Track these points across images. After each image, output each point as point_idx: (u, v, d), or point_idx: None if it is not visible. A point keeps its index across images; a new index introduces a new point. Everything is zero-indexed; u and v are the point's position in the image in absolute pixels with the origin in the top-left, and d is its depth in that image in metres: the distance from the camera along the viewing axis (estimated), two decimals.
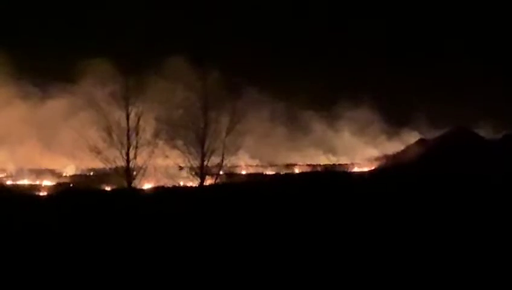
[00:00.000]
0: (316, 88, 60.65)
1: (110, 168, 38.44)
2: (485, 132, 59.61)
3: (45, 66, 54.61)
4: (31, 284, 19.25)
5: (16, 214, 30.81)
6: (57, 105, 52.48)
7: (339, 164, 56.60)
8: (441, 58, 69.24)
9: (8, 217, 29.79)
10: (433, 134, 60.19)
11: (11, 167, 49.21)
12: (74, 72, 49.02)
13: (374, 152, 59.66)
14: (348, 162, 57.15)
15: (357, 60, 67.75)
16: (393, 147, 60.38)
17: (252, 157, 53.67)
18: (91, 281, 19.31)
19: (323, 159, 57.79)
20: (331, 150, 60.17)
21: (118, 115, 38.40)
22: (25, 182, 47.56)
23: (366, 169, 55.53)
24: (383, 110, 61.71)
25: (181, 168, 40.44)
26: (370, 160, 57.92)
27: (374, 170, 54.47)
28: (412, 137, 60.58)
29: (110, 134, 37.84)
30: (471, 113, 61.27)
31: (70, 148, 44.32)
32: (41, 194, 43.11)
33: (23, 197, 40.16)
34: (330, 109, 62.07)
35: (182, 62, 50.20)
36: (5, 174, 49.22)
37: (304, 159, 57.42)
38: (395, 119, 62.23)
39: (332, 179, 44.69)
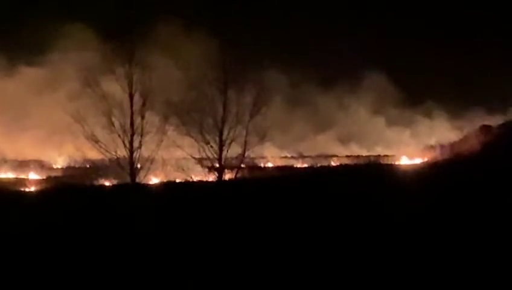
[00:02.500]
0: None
1: (110, 160, 38.47)
2: None
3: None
4: None
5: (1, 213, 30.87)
6: (43, 83, 52.58)
7: (385, 155, 56.25)
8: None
9: None
10: (498, 120, 59.48)
11: None
12: (56, 40, 49.54)
13: (426, 141, 59.22)
14: (396, 153, 56.77)
15: (404, 37, 67.09)
16: (450, 134, 59.86)
17: (280, 147, 53.53)
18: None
19: (365, 150, 57.51)
20: (375, 138, 59.91)
21: (120, 96, 38.34)
22: (8, 175, 47.76)
23: (417, 161, 55.09)
24: (436, 92, 61.22)
25: (195, 160, 40.25)
26: (422, 150, 57.46)
27: (427, 162, 53.91)
28: (472, 123, 59.94)
29: (110, 119, 37.82)
30: None
31: (61, 135, 44.50)
32: (27, 189, 43.20)
33: (7, 193, 40.20)
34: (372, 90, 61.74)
35: (196, 34, 50.38)
36: None
37: (343, 149, 57.24)
38: (451, 102, 61.57)
39: (378, 173, 44.15)
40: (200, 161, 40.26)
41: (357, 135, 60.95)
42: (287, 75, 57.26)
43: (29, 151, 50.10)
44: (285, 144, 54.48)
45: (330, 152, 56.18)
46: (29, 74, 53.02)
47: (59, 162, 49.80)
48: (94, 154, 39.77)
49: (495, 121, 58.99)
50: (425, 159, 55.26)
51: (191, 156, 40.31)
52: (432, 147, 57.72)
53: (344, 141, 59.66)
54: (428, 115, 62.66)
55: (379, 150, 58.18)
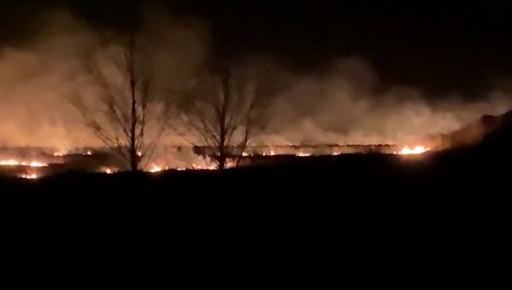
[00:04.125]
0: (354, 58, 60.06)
1: (111, 148, 38.44)
2: None
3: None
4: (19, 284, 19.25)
5: (2, 200, 30.84)
6: (41, 68, 52.47)
7: (386, 145, 56.13)
8: None
9: None
10: (501, 110, 59.22)
11: None
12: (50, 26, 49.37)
13: (426, 131, 59.03)
14: (397, 143, 56.63)
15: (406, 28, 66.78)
16: (451, 124, 59.66)
17: (282, 136, 53.44)
18: (87, 279, 19.28)
19: (366, 139, 57.33)
20: (375, 128, 59.76)
21: (121, 82, 38.26)
22: (9, 162, 47.72)
23: (418, 151, 54.94)
24: (436, 81, 61.00)
25: (196, 148, 40.22)
26: (423, 140, 57.27)
27: (428, 152, 53.77)
28: (474, 113, 59.71)
29: (111, 106, 37.76)
30: None
31: (63, 122, 44.49)
32: (29, 177, 43.19)
33: (8, 180, 40.19)
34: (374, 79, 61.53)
35: (195, 18, 50.26)
36: None
37: (344, 138, 57.11)
38: (452, 91, 61.39)
39: (380, 162, 44.10)
40: (201, 149, 40.19)
41: (355, 123, 60.73)
42: (296, 63, 56.82)
43: (31, 139, 49.99)
44: (287, 132, 54.34)
45: (331, 141, 56.01)
46: (26, 60, 52.79)
47: (60, 149, 49.76)
48: (95, 142, 39.65)
49: (497, 111, 58.62)
50: (427, 149, 55.15)
51: (193, 144, 40.28)
52: (433, 137, 57.52)
53: (343, 130, 59.48)
54: (429, 104, 62.33)
55: (380, 140, 57.94)
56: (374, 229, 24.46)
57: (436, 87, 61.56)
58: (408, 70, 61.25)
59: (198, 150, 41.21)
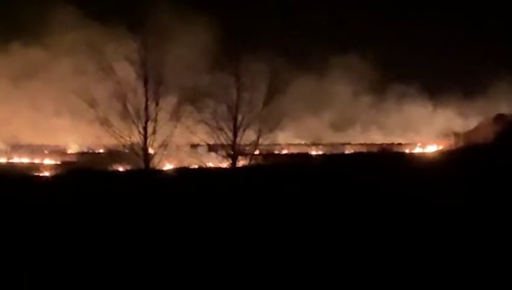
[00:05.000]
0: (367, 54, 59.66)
1: (124, 145, 38.44)
2: None
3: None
4: (33, 282, 19.30)
5: (14, 198, 30.93)
6: (53, 65, 52.47)
7: (398, 144, 55.86)
8: None
9: (4, 202, 29.91)
10: (504, 106, 58.86)
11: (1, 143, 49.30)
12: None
13: (438, 129, 58.66)
14: (409, 141, 56.36)
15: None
16: (463, 123, 59.24)
17: (294, 134, 53.26)
18: (100, 277, 19.34)
19: (379, 138, 56.99)
20: (387, 127, 59.41)
21: (134, 80, 38.27)
22: (22, 160, 47.83)
23: (430, 150, 54.69)
24: (449, 79, 60.49)
25: (209, 146, 40.18)
26: (436, 138, 56.99)
27: (440, 151, 53.54)
28: (486, 111, 59.32)
29: (124, 104, 37.76)
30: None
31: (76, 120, 44.52)
32: (42, 174, 43.30)
33: (21, 178, 40.31)
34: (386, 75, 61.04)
35: (207, 16, 50.20)
36: None
37: (357, 137, 56.81)
38: (464, 89, 60.92)
39: (393, 161, 43.95)
40: (213, 148, 40.14)
41: (360, 121, 60.38)
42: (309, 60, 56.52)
43: (43, 136, 50.06)
44: (300, 131, 54.10)
45: (343, 140, 55.74)
46: (37, 57, 52.77)
47: (73, 147, 49.84)
48: (108, 140, 39.65)
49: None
50: (440, 148, 54.89)
51: (205, 142, 40.24)
52: (446, 136, 57.21)
53: (349, 128, 59.13)
54: (439, 102, 61.81)
55: (392, 138, 57.57)
56: (389, 228, 24.45)
57: (439, 83, 60.95)
58: (410, 67, 60.95)
59: (210, 148, 41.09)
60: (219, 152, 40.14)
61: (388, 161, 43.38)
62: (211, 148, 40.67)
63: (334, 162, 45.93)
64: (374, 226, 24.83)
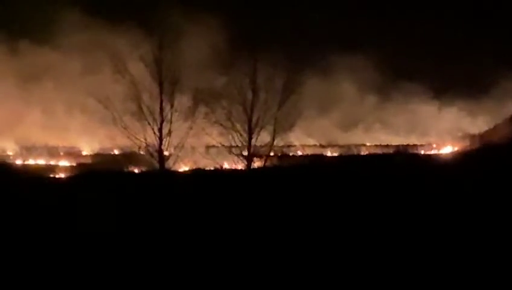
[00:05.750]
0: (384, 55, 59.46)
1: (139, 147, 38.41)
2: None
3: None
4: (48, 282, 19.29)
5: (30, 200, 30.96)
6: (68, 67, 52.49)
7: (413, 145, 55.66)
8: None
9: (21, 204, 29.96)
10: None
11: (15, 145, 49.33)
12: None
13: (453, 131, 58.42)
14: (424, 143, 56.15)
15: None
16: (478, 124, 58.95)
17: (309, 135, 53.09)
18: (116, 278, 19.30)
19: (395, 139, 56.82)
20: (402, 128, 59.21)
21: (149, 81, 38.23)
22: (38, 162, 47.86)
23: (446, 151, 54.44)
24: (461, 78, 60.18)
25: (225, 147, 40.01)
26: (450, 141, 56.71)
27: (456, 152, 53.28)
28: (502, 112, 58.98)
29: (139, 105, 37.68)
30: None
31: (89, 121, 44.59)
32: (57, 176, 43.33)
33: (37, 180, 40.35)
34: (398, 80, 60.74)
35: (222, 17, 50.13)
36: (14, 152, 49.45)
37: (372, 138, 56.66)
38: (479, 90, 60.56)
39: (408, 163, 43.75)
40: (229, 149, 40.00)
41: (384, 123, 60.20)
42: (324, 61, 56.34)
43: (58, 138, 50.11)
44: (315, 132, 53.94)
45: (358, 141, 55.61)
46: (51, 57, 52.82)
47: (88, 149, 49.85)
48: (123, 142, 39.61)
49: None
50: (455, 149, 54.61)
51: (220, 143, 40.09)
52: (461, 137, 56.95)
53: (369, 129, 58.98)
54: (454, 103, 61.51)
55: (408, 140, 57.41)
56: (408, 230, 24.30)
57: (447, 83, 60.63)
58: (417, 67, 60.66)
59: (226, 150, 40.97)
60: (234, 153, 39.98)
61: (407, 163, 43.17)
62: (227, 149, 40.50)
63: (351, 164, 45.72)
64: (396, 229, 24.67)
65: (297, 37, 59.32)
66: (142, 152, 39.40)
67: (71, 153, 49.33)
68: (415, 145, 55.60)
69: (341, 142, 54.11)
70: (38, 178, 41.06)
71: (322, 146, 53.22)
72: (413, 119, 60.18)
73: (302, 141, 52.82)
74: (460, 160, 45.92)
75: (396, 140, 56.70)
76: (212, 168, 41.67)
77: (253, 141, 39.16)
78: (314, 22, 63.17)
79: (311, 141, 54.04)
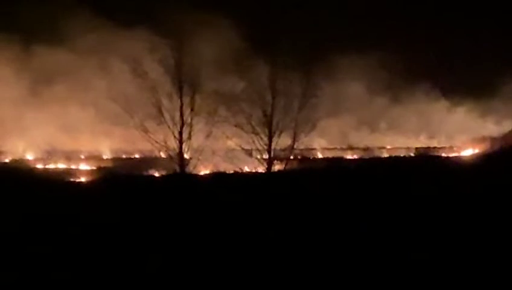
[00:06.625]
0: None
1: (159, 150, 38.44)
2: None
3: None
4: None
5: (50, 205, 30.97)
6: (88, 70, 52.44)
7: (434, 147, 55.30)
8: None
9: (43, 207, 29.98)
10: None
11: (36, 148, 49.31)
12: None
13: (472, 133, 57.87)
14: (446, 145, 55.71)
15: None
16: (500, 126, 58.38)
17: (329, 138, 52.77)
18: (139, 281, 19.21)
19: (415, 142, 56.35)
20: (423, 131, 58.74)
21: (169, 86, 38.29)
22: (58, 166, 47.90)
23: (466, 154, 54.03)
24: (478, 79, 59.59)
25: (245, 151, 39.92)
26: (470, 143, 56.25)
27: (477, 155, 52.86)
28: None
29: (160, 109, 37.71)
30: None
31: (110, 125, 44.58)
32: (78, 180, 43.35)
33: (57, 184, 40.39)
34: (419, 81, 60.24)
35: (240, 22, 49.93)
36: (35, 156, 49.52)
37: (392, 141, 56.22)
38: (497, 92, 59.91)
39: (430, 165, 43.46)
40: (249, 152, 39.94)
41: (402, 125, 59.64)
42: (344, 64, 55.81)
43: (78, 142, 50.10)
44: (335, 135, 53.60)
45: (379, 144, 55.16)
46: (72, 61, 52.78)
47: (109, 152, 49.85)
48: (143, 145, 39.67)
49: None
50: (476, 151, 54.19)
51: (240, 147, 40.01)
52: (482, 139, 56.47)
53: (389, 132, 58.50)
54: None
55: (428, 142, 56.93)
56: (437, 232, 24.04)
57: (458, 85, 59.90)
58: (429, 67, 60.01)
59: (246, 153, 40.90)
60: (254, 157, 39.92)
61: (429, 165, 42.91)
62: (247, 152, 40.41)
63: (373, 167, 45.48)
64: (425, 232, 24.43)
65: (312, 39, 58.78)
66: (162, 156, 39.48)
67: (92, 157, 49.32)
68: (435, 148, 55.31)
69: (356, 144, 53.90)
70: (59, 182, 41.10)
71: (342, 149, 53.05)
72: (431, 121, 59.60)
73: (315, 144, 52.68)
74: (482, 162, 45.51)
75: (414, 143, 56.33)
76: (232, 172, 41.62)
77: (273, 144, 39.13)
78: (325, 24, 62.88)
79: (323, 143, 53.83)
